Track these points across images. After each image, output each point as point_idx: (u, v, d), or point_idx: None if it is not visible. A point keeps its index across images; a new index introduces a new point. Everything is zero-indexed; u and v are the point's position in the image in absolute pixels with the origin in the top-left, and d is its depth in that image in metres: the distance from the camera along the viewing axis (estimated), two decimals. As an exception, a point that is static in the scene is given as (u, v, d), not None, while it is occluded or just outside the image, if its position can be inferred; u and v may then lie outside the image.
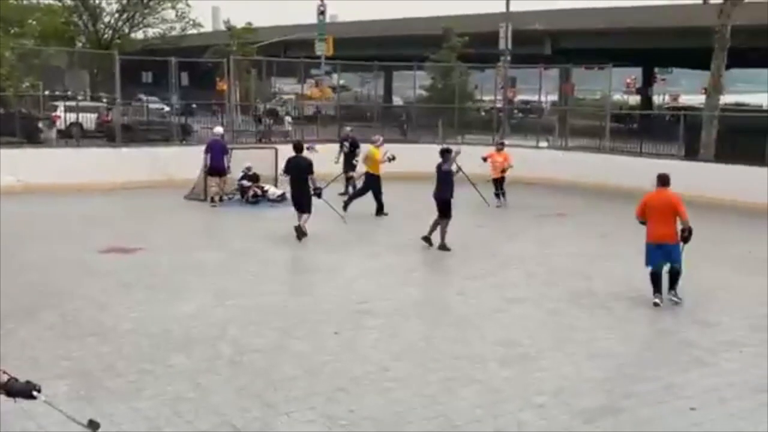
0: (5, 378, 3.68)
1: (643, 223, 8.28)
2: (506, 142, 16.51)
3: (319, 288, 8.67)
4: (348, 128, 17.21)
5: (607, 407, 5.47)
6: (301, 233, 10.99)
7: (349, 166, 15.34)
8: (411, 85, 23.78)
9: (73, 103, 21.46)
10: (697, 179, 15.20)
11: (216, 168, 14.30)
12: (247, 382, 5.72)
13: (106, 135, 19.79)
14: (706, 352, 6.68)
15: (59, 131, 19.32)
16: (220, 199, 14.46)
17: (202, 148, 14.87)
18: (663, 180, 8.27)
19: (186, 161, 15.26)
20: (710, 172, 15.69)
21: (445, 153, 10.92)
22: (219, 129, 15.77)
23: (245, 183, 14.80)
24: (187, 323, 7.15)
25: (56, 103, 21.51)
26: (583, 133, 20.57)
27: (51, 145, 18.10)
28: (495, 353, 6.54)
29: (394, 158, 13.40)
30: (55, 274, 9.03)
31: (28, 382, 3.72)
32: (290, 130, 15.72)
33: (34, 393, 3.70)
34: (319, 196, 11.38)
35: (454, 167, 10.92)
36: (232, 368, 6.03)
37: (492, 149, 15.44)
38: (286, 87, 33.68)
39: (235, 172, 14.91)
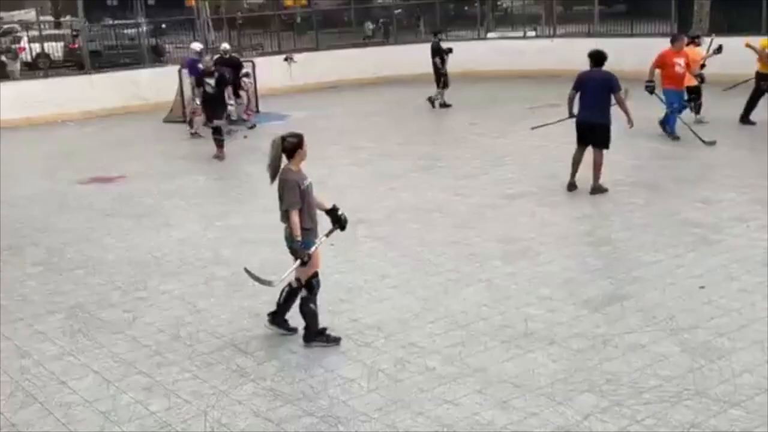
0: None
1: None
2: (491, 35, 15.66)
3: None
4: (225, 46, 13.07)
5: (613, 295, 5.36)
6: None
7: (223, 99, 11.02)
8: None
9: (37, 33, 20.48)
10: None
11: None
12: (245, 302, 5.57)
13: (75, 63, 19.05)
14: (710, 230, 6.55)
15: (25, 63, 18.53)
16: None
17: (176, 68, 14.11)
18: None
19: (161, 83, 14.65)
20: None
21: (599, 57, 7.80)
22: (196, 45, 13.47)
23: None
24: (177, 249, 6.95)
25: (19, 35, 20.50)
26: (571, 19, 19.82)
27: (17, 77, 17.40)
28: (496, 251, 6.40)
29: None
30: (36, 209, 8.76)
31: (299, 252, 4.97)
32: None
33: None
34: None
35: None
36: (229, 289, 5.88)
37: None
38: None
39: None
